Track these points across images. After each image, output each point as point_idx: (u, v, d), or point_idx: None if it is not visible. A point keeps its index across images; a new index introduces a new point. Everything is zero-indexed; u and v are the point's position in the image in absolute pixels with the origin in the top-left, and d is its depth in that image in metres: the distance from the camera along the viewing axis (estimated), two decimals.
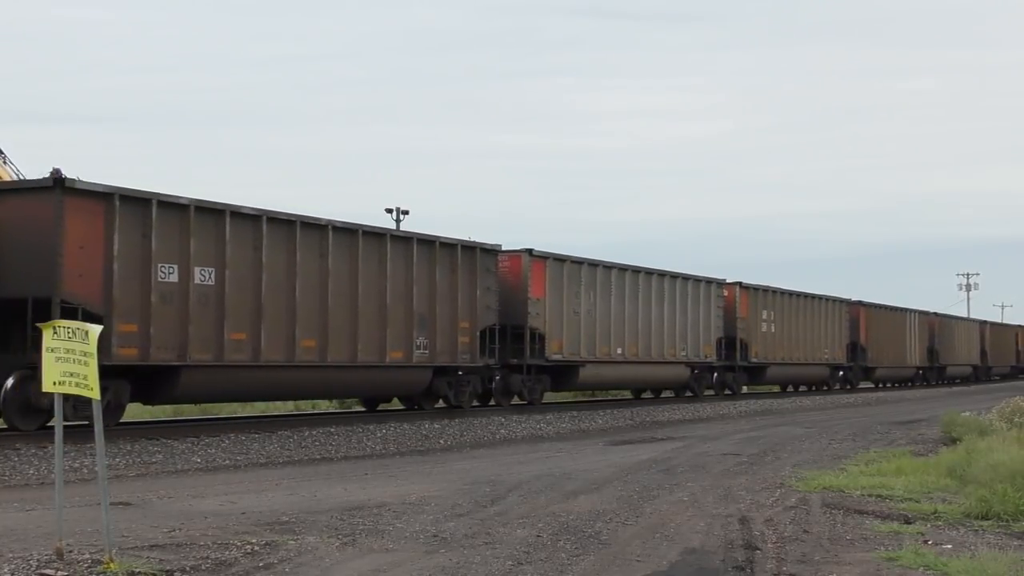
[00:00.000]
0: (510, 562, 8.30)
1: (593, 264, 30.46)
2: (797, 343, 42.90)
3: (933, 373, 60.39)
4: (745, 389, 41.33)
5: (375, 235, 22.58)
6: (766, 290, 40.60)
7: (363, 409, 26.74)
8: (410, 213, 56.66)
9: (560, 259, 28.91)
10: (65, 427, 9.78)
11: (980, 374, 70.16)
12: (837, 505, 11.53)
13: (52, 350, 7.84)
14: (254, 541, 8.90)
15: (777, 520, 10.51)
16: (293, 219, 20.46)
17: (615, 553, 8.79)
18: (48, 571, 7.53)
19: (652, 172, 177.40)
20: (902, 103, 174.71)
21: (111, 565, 7.58)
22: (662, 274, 33.95)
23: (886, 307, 53.04)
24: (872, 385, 54.25)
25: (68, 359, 7.73)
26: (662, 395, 37.75)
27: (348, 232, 21.68)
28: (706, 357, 36.31)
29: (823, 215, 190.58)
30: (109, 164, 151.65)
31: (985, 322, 73.40)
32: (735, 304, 38.66)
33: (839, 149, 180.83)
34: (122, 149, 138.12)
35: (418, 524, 10.01)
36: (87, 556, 7.97)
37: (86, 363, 7.64)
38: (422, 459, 16.97)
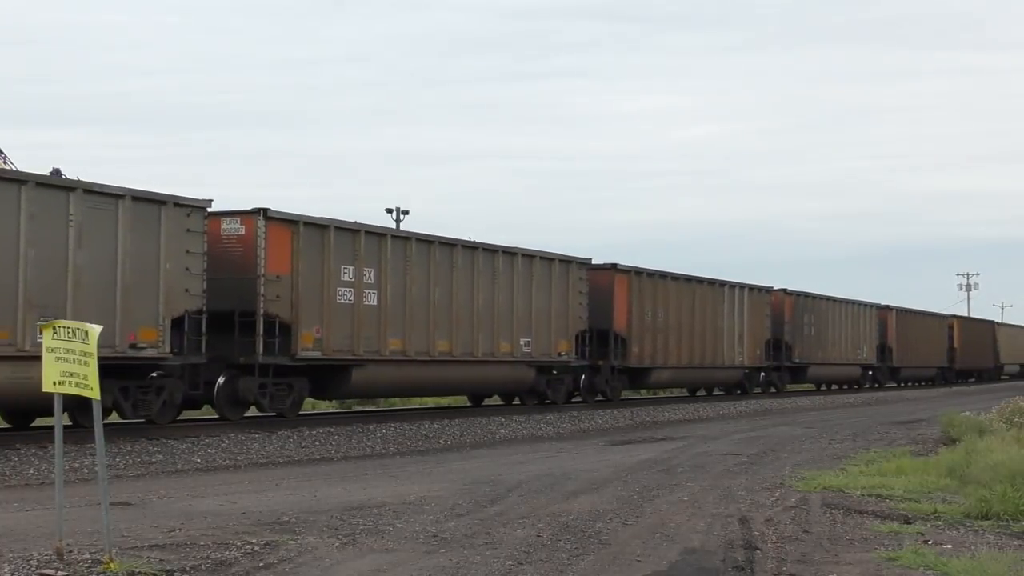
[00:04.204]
0: (510, 562, 8.31)
1: None
2: (458, 327, 25.11)
3: (783, 375, 43.67)
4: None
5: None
6: (415, 239, 24.16)
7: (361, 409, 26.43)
8: (410, 213, 56.54)
9: None
10: (66, 427, 9.80)
11: (880, 376, 53.72)
12: (837, 505, 11.53)
13: (52, 350, 7.84)
14: (254, 541, 8.90)
15: (777, 520, 10.51)
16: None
17: (615, 553, 8.79)
18: (48, 571, 7.53)
19: (659, 173, 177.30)
20: (904, 104, 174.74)
21: (111, 565, 7.59)
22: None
23: (673, 276, 34.80)
24: (647, 392, 38.16)
25: (68, 359, 7.73)
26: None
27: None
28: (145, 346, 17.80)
29: (824, 215, 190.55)
30: (119, 165, 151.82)
31: (889, 307, 53.87)
32: (292, 254, 20.95)
33: (840, 150, 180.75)
34: (132, 150, 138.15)
35: (418, 524, 10.01)
36: (87, 556, 7.98)
37: (86, 363, 7.64)
38: (422, 459, 16.97)
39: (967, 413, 23.14)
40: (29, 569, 7.59)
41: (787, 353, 42.77)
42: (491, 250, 26.44)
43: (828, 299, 46.76)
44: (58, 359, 7.79)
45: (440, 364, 24.90)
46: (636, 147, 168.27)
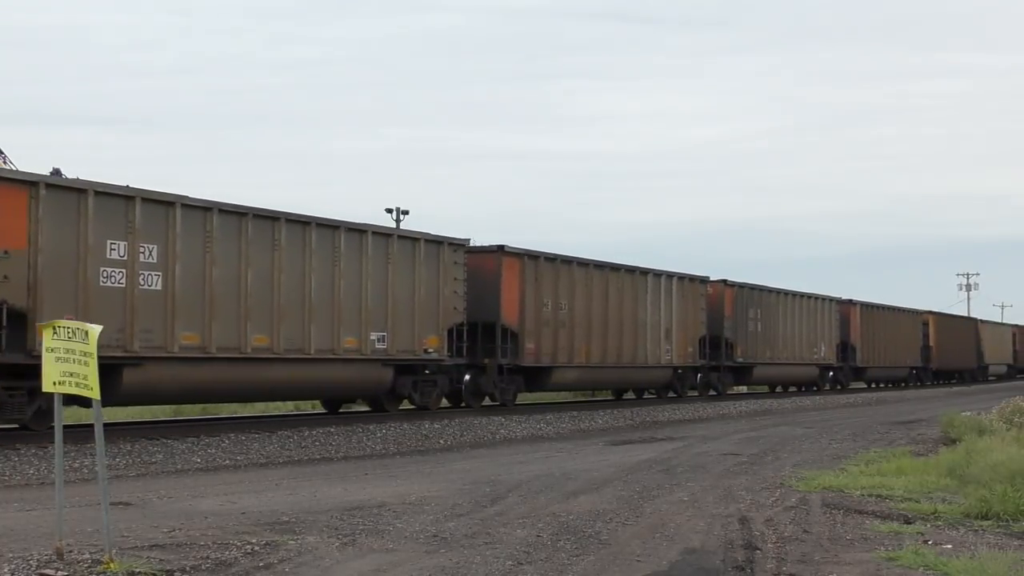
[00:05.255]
0: (510, 562, 8.31)
1: None
2: (282, 318, 20.64)
3: (724, 376, 38.69)
4: None
5: None
6: (217, 210, 19.36)
7: (368, 409, 26.12)
8: (410, 213, 56.42)
9: None
10: (66, 427, 9.80)
11: (842, 377, 49.39)
12: (837, 505, 11.53)
13: (52, 350, 7.83)
14: (254, 541, 8.90)
15: (777, 520, 10.51)
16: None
17: (615, 553, 8.79)
18: (48, 571, 7.53)
19: (661, 173, 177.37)
20: (905, 105, 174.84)
21: (111, 565, 7.59)
22: None
23: (580, 262, 29.82)
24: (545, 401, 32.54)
25: (68, 359, 7.73)
26: None
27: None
28: None
29: (825, 215, 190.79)
30: (119, 165, 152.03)
31: (852, 302, 49.45)
32: None
33: (841, 151, 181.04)
34: (132, 150, 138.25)
35: (418, 524, 10.01)
36: (87, 556, 7.98)
37: (86, 363, 7.64)
38: (422, 459, 16.97)
39: (967, 413, 23.16)
40: (29, 569, 7.59)
41: (728, 351, 37.92)
42: (329, 226, 21.78)
43: (778, 292, 41.75)
44: (58, 359, 7.79)
45: (256, 363, 20.27)
46: (637, 147, 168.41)
